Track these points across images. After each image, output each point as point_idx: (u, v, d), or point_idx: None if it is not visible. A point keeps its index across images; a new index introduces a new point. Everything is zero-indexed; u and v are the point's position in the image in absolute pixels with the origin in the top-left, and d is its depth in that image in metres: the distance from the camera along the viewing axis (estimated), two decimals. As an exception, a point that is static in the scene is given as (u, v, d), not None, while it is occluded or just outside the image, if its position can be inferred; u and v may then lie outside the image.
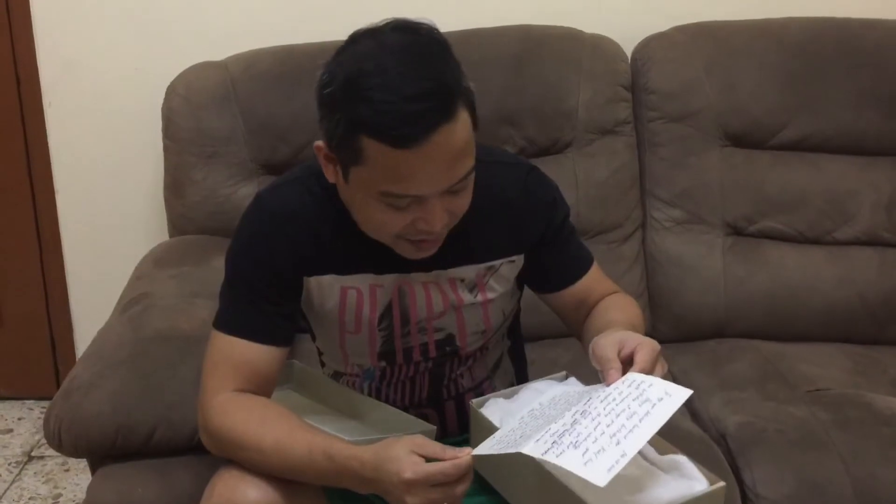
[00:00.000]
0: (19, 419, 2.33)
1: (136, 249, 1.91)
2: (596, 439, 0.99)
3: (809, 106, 1.88)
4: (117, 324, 1.57)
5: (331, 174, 1.14)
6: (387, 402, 1.32)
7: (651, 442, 1.18)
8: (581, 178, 1.87)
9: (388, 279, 1.23)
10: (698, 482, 1.10)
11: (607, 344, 1.11)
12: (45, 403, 1.86)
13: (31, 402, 2.39)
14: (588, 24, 1.96)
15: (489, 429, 1.16)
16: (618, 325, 1.19)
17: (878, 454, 1.48)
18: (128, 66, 2.07)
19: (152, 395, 1.41)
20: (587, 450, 0.98)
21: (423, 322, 1.26)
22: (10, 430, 2.29)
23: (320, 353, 1.39)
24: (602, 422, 1.01)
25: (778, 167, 1.89)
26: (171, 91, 1.88)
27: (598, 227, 1.88)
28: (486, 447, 1.07)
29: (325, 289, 1.23)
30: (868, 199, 1.88)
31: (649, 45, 1.94)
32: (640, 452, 1.16)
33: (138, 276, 1.75)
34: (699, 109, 1.88)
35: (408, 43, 1.06)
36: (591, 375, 1.23)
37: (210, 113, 1.85)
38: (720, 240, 1.89)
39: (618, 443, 0.98)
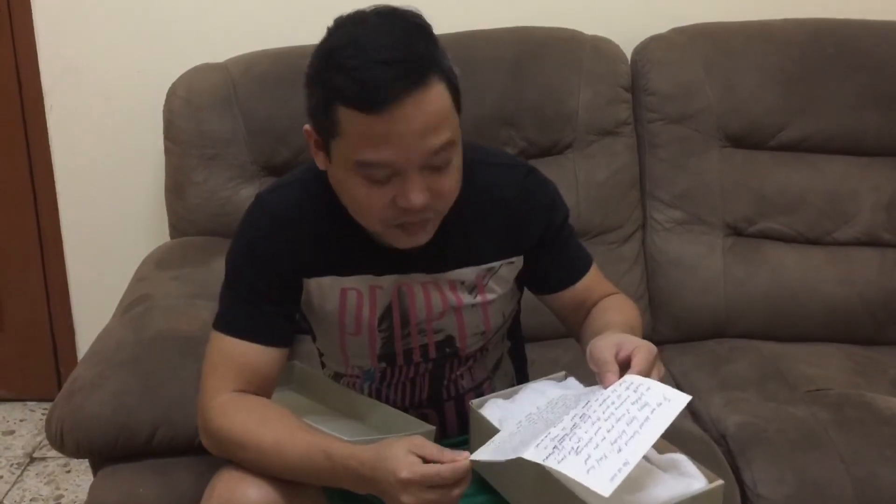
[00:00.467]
0: (21, 421, 2.33)
1: (137, 251, 1.91)
2: (597, 445, 0.99)
3: (809, 107, 1.88)
4: (118, 325, 1.58)
5: (321, 161, 1.15)
6: (387, 402, 1.33)
7: None
8: (581, 180, 1.87)
9: (388, 280, 1.23)
10: (697, 480, 1.11)
11: (604, 346, 1.11)
12: (47, 405, 1.86)
13: (33, 403, 2.39)
14: (588, 25, 1.96)
15: (489, 429, 1.16)
16: (616, 326, 1.19)
17: (878, 454, 1.48)
18: (129, 68, 2.07)
19: (154, 395, 1.41)
20: (589, 456, 0.98)
21: (423, 324, 1.27)
22: (12, 432, 2.29)
23: (321, 355, 1.39)
24: (602, 426, 1.01)
25: (778, 168, 1.89)
26: (172, 93, 1.88)
27: (598, 228, 1.88)
28: (484, 453, 1.07)
29: (325, 290, 1.23)
30: (868, 199, 1.88)
31: (649, 47, 1.94)
32: None
33: (139, 277, 1.76)
34: (699, 110, 1.88)
35: (387, 21, 1.08)
36: (591, 376, 1.23)
37: (211, 115, 1.85)
38: (720, 240, 1.89)
39: (619, 450, 0.98)
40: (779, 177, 1.89)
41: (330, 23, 1.11)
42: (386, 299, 1.24)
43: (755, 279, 1.87)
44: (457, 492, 1.03)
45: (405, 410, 1.31)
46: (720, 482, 1.10)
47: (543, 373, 1.28)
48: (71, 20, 2.06)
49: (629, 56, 1.96)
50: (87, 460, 1.51)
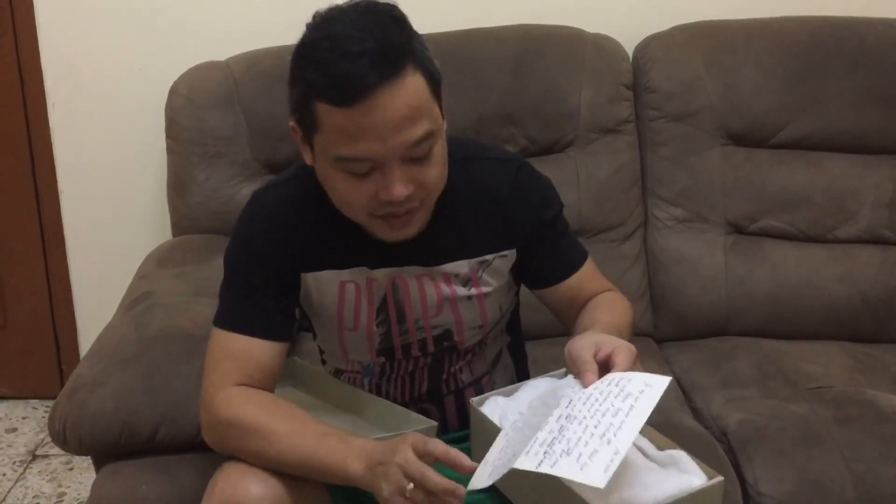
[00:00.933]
0: (23, 418, 2.34)
1: (139, 249, 1.92)
2: (587, 442, 0.99)
3: (810, 104, 1.88)
4: (121, 323, 1.58)
5: (308, 156, 1.16)
6: (387, 397, 1.33)
7: (649, 437, 1.19)
8: (583, 177, 1.88)
9: (382, 273, 1.24)
10: (696, 477, 1.11)
11: (583, 346, 1.11)
12: (49, 402, 1.87)
13: (35, 401, 2.40)
14: (590, 23, 1.96)
15: (490, 427, 1.16)
16: (602, 325, 1.19)
17: (879, 451, 1.48)
18: (131, 66, 2.08)
19: (156, 393, 1.41)
20: (580, 454, 0.98)
21: (421, 320, 1.27)
22: (15, 430, 2.30)
23: (321, 352, 1.40)
24: (589, 424, 1.01)
25: (779, 166, 1.89)
26: (174, 91, 1.89)
27: (599, 225, 1.88)
28: (482, 478, 1.05)
29: (323, 285, 1.24)
30: (869, 197, 1.88)
31: (650, 45, 1.94)
32: (638, 448, 1.17)
33: (141, 275, 1.76)
34: (700, 108, 1.88)
35: (362, 13, 1.07)
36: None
37: (213, 113, 1.85)
38: (721, 238, 1.89)
39: (608, 441, 0.99)
40: (780, 175, 1.89)
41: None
42: (381, 292, 1.25)
43: (756, 277, 1.87)
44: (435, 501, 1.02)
45: (405, 405, 1.32)
46: (720, 478, 1.11)
47: (545, 370, 1.28)
48: (73, 19, 2.06)
49: (630, 54, 1.96)
50: (89, 458, 1.52)
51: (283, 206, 1.22)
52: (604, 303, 1.30)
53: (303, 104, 1.08)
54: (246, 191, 1.84)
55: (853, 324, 1.87)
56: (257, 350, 1.20)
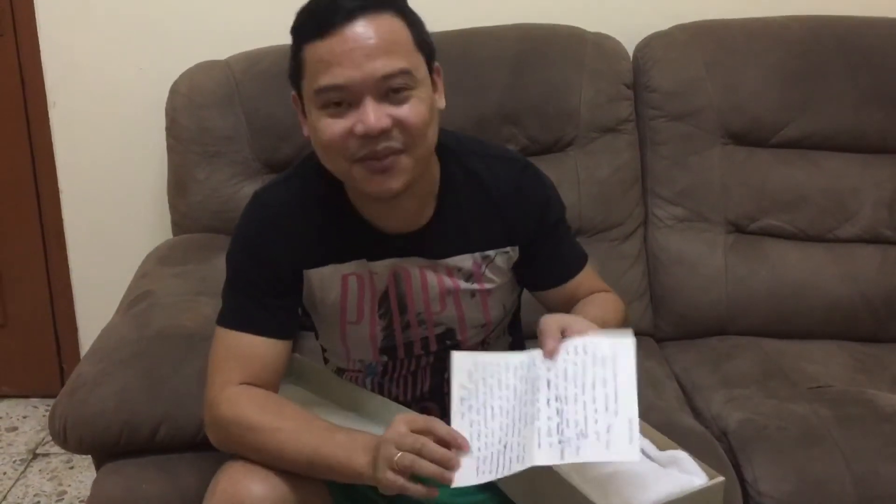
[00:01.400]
0: (24, 417, 2.34)
1: (139, 248, 1.92)
2: (596, 420, 1.00)
3: (811, 104, 1.88)
4: (121, 322, 1.58)
5: (305, 128, 1.18)
6: (388, 397, 1.33)
7: (650, 438, 1.19)
8: (583, 177, 1.87)
9: (384, 264, 1.24)
10: (697, 477, 1.11)
11: (551, 322, 1.11)
12: (50, 401, 1.87)
13: (36, 400, 2.40)
14: (590, 22, 1.96)
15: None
16: (588, 317, 1.18)
17: (879, 451, 1.48)
18: (131, 65, 2.07)
19: (156, 392, 1.41)
20: (597, 433, 0.99)
21: (422, 314, 1.27)
22: (15, 428, 2.30)
23: (323, 351, 1.40)
24: (585, 399, 1.02)
25: (779, 165, 1.89)
26: (175, 90, 1.89)
27: (599, 225, 1.88)
28: (469, 473, 1.04)
29: (327, 280, 1.24)
30: (870, 196, 1.88)
31: (651, 44, 1.94)
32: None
33: (142, 274, 1.76)
34: (700, 108, 1.88)
35: None
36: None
37: (213, 112, 1.85)
38: (722, 238, 1.89)
39: (616, 413, 1.00)
40: (780, 174, 1.89)
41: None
42: (382, 284, 1.25)
43: (757, 276, 1.87)
44: (434, 448, 1.03)
45: (407, 404, 1.32)
46: (720, 479, 1.11)
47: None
48: (74, 18, 2.06)
49: (631, 53, 1.96)
50: (89, 456, 1.52)
51: (284, 204, 1.23)
52: (596, 300, 1.31)
53: (294, 58, 1.13)
54: (246, 190, 1.84)
55: (853, 323, 1.87)
56: (261, 348, 1.20)
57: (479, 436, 1.06)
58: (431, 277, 1.25)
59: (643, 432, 1.20)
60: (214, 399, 1.18)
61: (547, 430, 1.02)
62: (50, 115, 2.14)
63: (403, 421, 1.06)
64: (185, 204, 1.89)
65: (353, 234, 1.23)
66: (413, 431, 1.05)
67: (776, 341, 1.84)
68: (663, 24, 1.97)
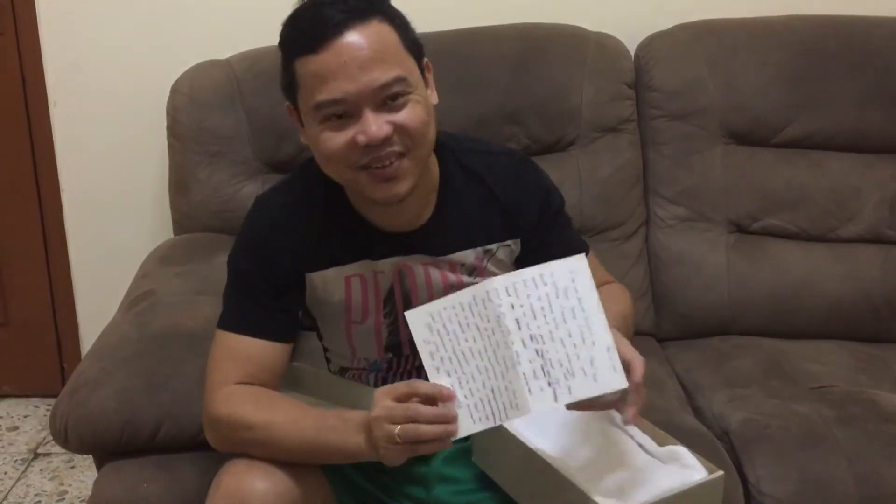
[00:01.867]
0: (25, 417, 2.34)
1: (140, 247, 1.92)
2: (578, 355, 1.02)
3: (813, 104, 1.88)
4: (122, 321, 1.58)
5: (303, 135, 1.18)
6: None
7: (650, 434, 1.19)
8: (584, 176, 1.87)
9: (388, 263, 1.25)
10: (697, 472, 1.11)
11: None
12: (51, 401, 1.87)
13: (37, 399, 2.40)
14: (592, 22, 1.96)
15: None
16: (610, 315, 1.19)
17: (881, 451, 1.48)
18: (132, 65, 2.07)
19: (157, 391, 1.41)
20: (583, 370, 1.01)
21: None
22: (16, 428, 2.30)
23: (326, 351, 1.40)
24: (560, 336, 1.03)
25: (781, 165, 1.89)
26: (176, 90, 1.88)
27: (601, 224, 1.88)
28: (466, 424, 1.04)
29: (330, 283, 1.25)
30: (872, 196, 1.88)
31: (652, 44, 1.94)
32: (639, 444, 1.17)
33: (143, 273, 1.76)
34: (702, 107, 1.88)
35: None
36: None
37: (214, 111, 1.85)
38: (723, 237, 1.89)
39: (593, 343, 1.02)
40: (782, 174, 1.88)
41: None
42: (387, 283, 1.26)
43: (758, 276, 1.86)
44: (424, 410, 1.03)
45: None
46: (720, 473, 1.11)
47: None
48: (75, 17, 2.06)
49: (633, 53, 1.96)
50: (90, 456, 1.52)
51: (286, 208, 1.24)
52: (609, 294, 1.29)
53: (286, 71, 1.13)
54: (247, 189, 1.84)
55: (855, 323, 1.87)
56: (260, 351, 1.20)
57: (460, 384, 1.06)
58: (435, 274, 1.26)
59: (642, 428, 1.21)
60: (210, 398, 1.19)
61: (532, 373, 1.02)
62: (51, 114, 2.14)
63: (385, 394, 1.06)
64: (186, 203, 1.89)
65: (355, 236, 1.23)
66: (397, 400, 1.05)
67: (778, 341, 1.84)
68: (665, 24, 1.97)
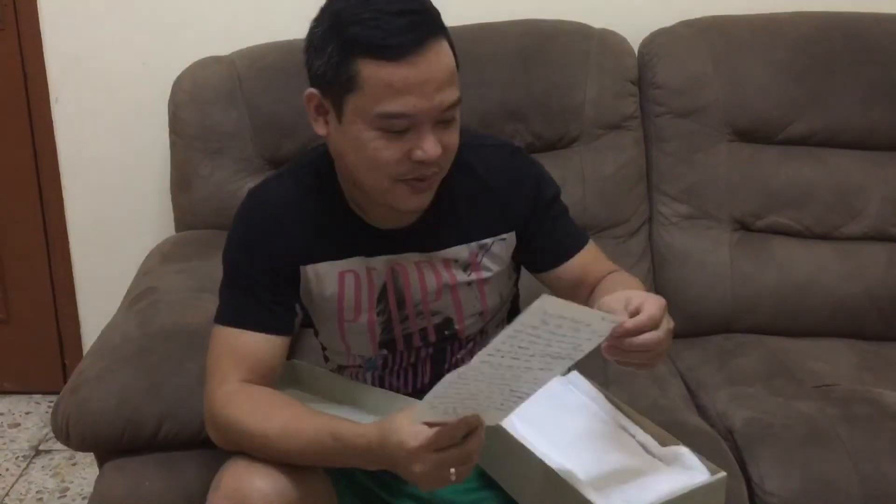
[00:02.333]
0: (27, 413, 2.34)
1: (142, 244, 1.91)
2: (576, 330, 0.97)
3: (817, 101, 1.87)
4: (124, 319, 1.58)
5: (321, 126, 1.16)
6: (390, 389, 1.33)
7: (652, 434, 1.18)
8: (588, 173, 1.87)
9: (381, 261, 1.24)
10: (700, 473, 1.11)
11: (613, 300, 1.09)
12: (53, 398, 1.86)
13: (39, 396, 2.40)
14: (595, 18, 1.95)
15: None
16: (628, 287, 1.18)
17: (885, 450, 1.48)
18: (134, 61, 2.07)
19: (159, 389, 1.41)
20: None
21: (420, 305, 1.27)
22: (18, 425, 2.30)
23: (324, 349, 1.40)
24: (549, 349, 0.98)
25: (785, 162, 1.88)
26: (178, 86, 1.88)
27: (604, 222, 1.87)
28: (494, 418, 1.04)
29: (323, 277, 1.24)
30: (876, 194, 1.87)
31: (656, 40, 1.93)
32: (641, 444, 1.16)
33: (145, 271, 1.76)
34: (706, 104, 1.87)
35: None
36: (594, 369, 1.21)
37: (216, 108, 1.85)
38: (727, 235, 1.88)
39: (588, 325, 0.98)
40: (786, 171, 1.88)
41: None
42: (380, 280, 1.25)
43: (762, 274, 1.86)
44: (472, 445, 1.03)
45: (408, 396, 1.31)
46: (723, 474, 1.11)
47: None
48: (76, 12, 2.06)
49: (636, 49, 1.95)
50: (92, 453, 1.51)
51: (279, 200, 1.23)
52: (620, 281, 1.28)
53: (340, 63, 1.08)
54: (249, 186, 1.82)
55: (860, 321, 1.86)
56: (258, 345, 1.20)
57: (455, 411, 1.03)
58: (428, 270, 1.26)
59: (644, 428, 1.20)
60: (211, 397, 1.18)
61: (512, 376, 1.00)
62: (53, 110, 2.13)
63: (424, 449, 1.02)
64: (188, 200, 1.89)
65: (348, 231, 1.23)
66: (438, 448, 1.02)
67: (782, 339, 1.83)
68: (669, 20, 1.96)
